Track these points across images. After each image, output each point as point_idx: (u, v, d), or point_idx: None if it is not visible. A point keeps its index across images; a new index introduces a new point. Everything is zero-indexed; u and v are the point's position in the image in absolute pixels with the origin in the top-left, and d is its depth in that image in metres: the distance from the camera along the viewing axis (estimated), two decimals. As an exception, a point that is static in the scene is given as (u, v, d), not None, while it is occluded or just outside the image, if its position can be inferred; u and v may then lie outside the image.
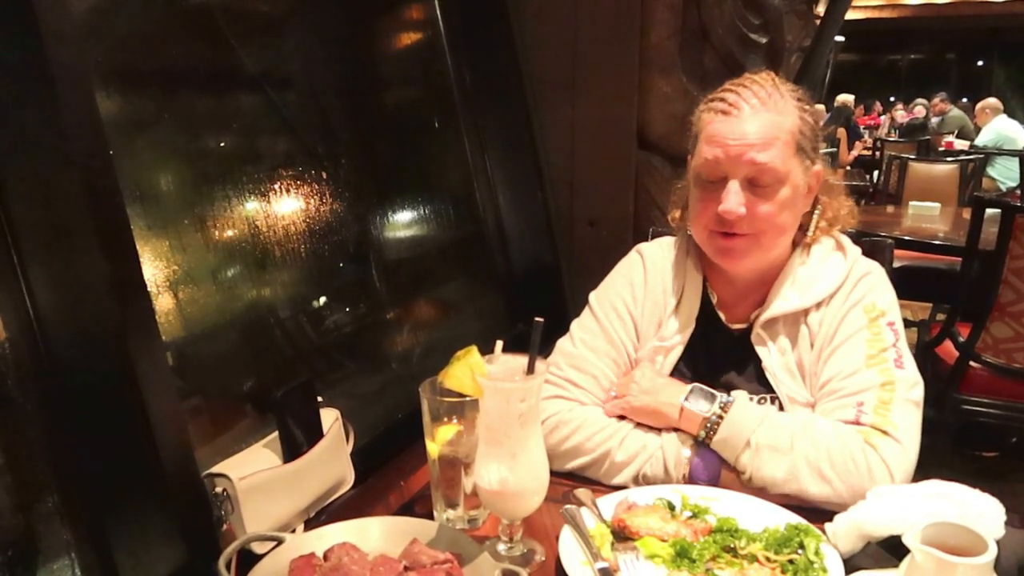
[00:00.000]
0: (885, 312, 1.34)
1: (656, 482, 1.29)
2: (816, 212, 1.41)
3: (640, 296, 1.47)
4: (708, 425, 1.28)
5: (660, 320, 1.45)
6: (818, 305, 1.36)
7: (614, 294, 1.49)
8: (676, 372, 1.42)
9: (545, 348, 1.40)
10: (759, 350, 1.38)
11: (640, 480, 1.31)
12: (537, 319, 1.09)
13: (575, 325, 1.50)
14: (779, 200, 1.30)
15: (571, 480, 1.33)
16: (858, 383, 1.28)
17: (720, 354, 1.42)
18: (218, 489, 1.10)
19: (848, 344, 1.32)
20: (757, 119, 1.29)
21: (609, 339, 1.45)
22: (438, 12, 2.05)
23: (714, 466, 1.29)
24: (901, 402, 1.26)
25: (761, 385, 1.37)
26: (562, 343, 1.48)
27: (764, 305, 1.39)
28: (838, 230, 1.44)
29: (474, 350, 1.10)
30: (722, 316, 1.43)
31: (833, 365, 1.32)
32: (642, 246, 1.54)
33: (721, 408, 1.29)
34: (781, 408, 1.34)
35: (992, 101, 8.44)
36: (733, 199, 1.28)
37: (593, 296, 1.52)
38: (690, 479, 1.29)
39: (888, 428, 1.23)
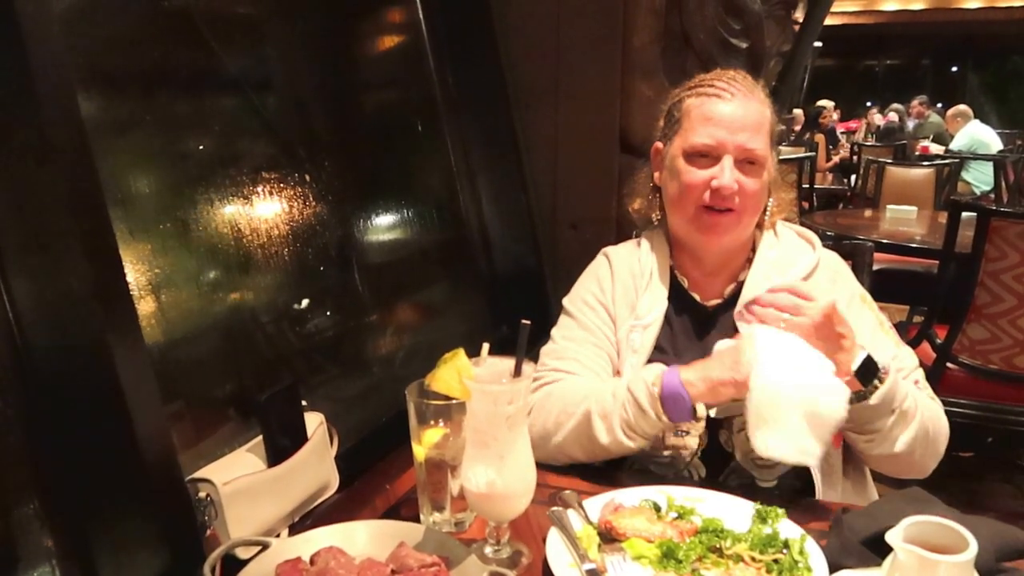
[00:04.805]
0: (865, 294, 1.43)
1: (642, 429, 1.30)
2: (771, 200, 1.47)
3: (608, 287, 1.51)
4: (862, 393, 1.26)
5: (632, 303, 1.48)
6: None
7: (584, 291, 1.54)
8: (656, 351, 1.44)
9: (531, 351, 1.41)
10: (741, 327, 1.38)
11: (629, 433, 1.30)
12: (524, 321, 1.10)
13: (554, 331, 1.54)
14: (761, 182, 1.38)
15: (558, 482, 1.33)
16: (899, 360, 1.36)
17: (699, 331, 1.46)
18: (202, 494, 1.09)
19: (861, 326, 1.35)
20: (748, 105, 1.36)
21: (585, 328, 1.49)
22: (421, 16, 2.05)
23: (682, 400, 1.27)
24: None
25: None
26: (545, 348, 1.52)
27: (743, 288, 1.42)
28: (784, 218, 1.51)
29: (461, 353, 1.10)
30: (696, 296, 1.47)
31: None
32: (607, 248, 1.60)
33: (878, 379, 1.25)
34: None
35: (962, 108, 8.53)
36: (728, 174, 1.34)
37: (566, 300, 1.57)
38: (665, 414, 1.28)
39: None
